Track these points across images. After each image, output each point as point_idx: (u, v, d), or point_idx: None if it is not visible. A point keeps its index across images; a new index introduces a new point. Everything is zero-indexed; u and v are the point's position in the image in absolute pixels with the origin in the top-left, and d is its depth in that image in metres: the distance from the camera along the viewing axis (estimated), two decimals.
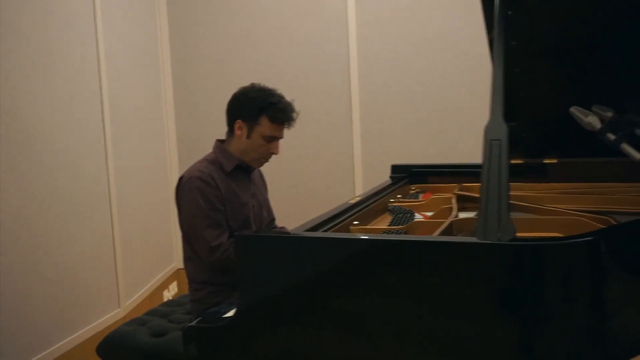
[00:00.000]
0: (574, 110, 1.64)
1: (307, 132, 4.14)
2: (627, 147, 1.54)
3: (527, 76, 2.16)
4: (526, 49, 2.03)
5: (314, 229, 1.69)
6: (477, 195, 2.27)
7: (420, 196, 2.64)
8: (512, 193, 2.27)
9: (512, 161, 2.64)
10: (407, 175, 2.82)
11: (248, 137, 2.16)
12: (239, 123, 2.16)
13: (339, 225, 1.84)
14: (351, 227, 1.95)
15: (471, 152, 3.58)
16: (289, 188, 4.26)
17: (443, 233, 1.73)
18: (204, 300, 2.16)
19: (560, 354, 1.30)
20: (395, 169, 2.87)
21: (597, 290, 1.32)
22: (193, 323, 1.57)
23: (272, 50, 4.27)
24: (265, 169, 2.36)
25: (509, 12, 1.83)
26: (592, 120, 1.60)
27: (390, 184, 2.65)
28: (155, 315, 2.44)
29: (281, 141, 2.23)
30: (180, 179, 2.18)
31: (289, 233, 1.58)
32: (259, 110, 2.13)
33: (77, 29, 3.17)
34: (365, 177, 4.16)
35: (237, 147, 2.19)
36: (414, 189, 2.77)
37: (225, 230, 2.10)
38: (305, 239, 1.47)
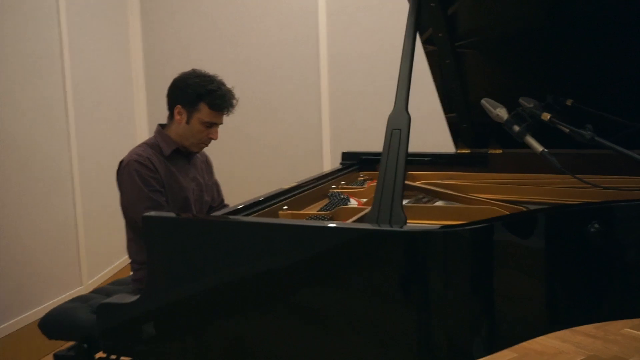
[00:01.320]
0: (484, 102, 1.68)
1: (276, 119, 4.19)
2: (530, 140, 1.58)
3: (460, 67, 2.20)
4: (454, 40, 2.07)
5: (238, 212, 1.73)
6: (412, 183, 2.33)
7: (367, 183, 2.68)
8: (443, 182, 2.34)
9: (460, 151, 2.73)
10: (357, 163, 2.86)
11: (187, 122, 2.21)
12: (178, 108, 2.21)
13: (266, 210, 1.88)
14: (280, 212, 2.00)
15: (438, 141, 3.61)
16: (258, 169, 4.33)
17: (359, 219, 1.78)
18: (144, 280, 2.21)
19: (443, 339, 1.35)
20: (346, 156, 2.91)
21: (479, 276, 1.37)
22: (106, 300, 1.62)
23: (243, 37, 4.31)
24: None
25: (432, 4, 1.87)
26: (500, 112, 1.64)
27: (335, 170, 2.69)
28: (101, 293, 2.49)
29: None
30: (120, 162, 2.22)
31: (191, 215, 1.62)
32: (198, 97, 2.17)
33: (39, 12, 3.21)
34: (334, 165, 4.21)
35: (177, 132, 2.24)
36: (362, 176, 2.81)
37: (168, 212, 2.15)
38: (200, 221, 1.53)
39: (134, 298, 1.57)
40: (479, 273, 1.37)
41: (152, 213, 1.53)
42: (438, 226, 1.33)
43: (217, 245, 1.47)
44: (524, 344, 3.00)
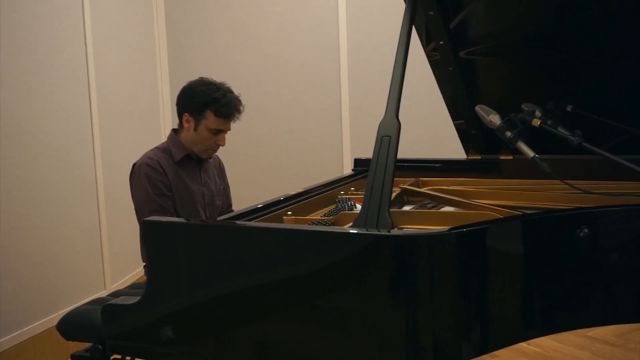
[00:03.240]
0: (478, 108, 1.70)
1: (297, 126, 4.25)
2: (521, 145, 1.59)
3: (465, 74, 2.21)
4: (458, 48, 2.09)
5: (240, 217, 1.78)
6: (417, 189, 2.35)
7: None
8: (449, 188, 2.35)
9: (470, 157, 2.73)
10: (369, 169, 2.88)
11: (195, 130, 2.28)
12: (186, 116, 2.28)
13: (270, 215, 1.93)
14: (284, 218, 2.04)
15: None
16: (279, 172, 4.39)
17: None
18: None
19: (431, 342, 1.37)
20: (358, 162, 2.94)
21: (466, 280, 1.39)
22: (110, 301, 1.69)
23: (267, 43, 4.39)
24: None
25: (430, 13, 1.89)
26: (493, 119, 1.66)
27: (346, 176, 2.72)
28: (118, 296, 2.56)
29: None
30: (133, 166, 2.31)
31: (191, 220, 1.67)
32: (204, 105, 2.24)
33: (64, 22, 3.33)
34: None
35: (186, 139, 2.32)
36: None
37: (171, 216, 2.22)
38: (198, 226, 1.57)
39: (135, 300, 1.63)
40: (465, 277, 1.38)
41: (152, 217, 1.59)
42: (424, 230, 1.35)
43: (215, 249, 1.52)
44: (541, 351, 3.00)
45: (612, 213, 1.40)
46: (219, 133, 2.29)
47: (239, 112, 2.29)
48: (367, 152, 3.87)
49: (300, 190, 2.28)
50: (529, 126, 1.60)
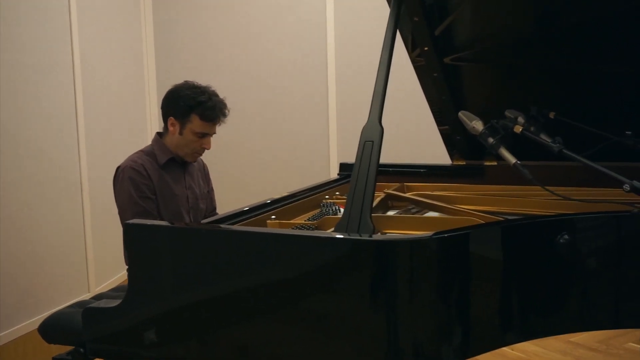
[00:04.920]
0: (462, 115, 1.71)
1: (284, 129, 4.24)
2: (504, 151, 1.60)
3: (450, 80, 2.22)
4: (442, 54, 2.10)
5: (223, 220, 1.78)
6: (402, 194, 2.36)
7: None
8: (433, 193, 2.36)
9: (455, 162, 2.75)
10: None
11: (180, 133, 2.28)
12: (171, 120, 2.28)
13: (254, 219, 1.92)
14: (268, 222, 2.04)
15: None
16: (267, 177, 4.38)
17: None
18: None
19: (411, 347, 1.38)
20: (344, 166, 2.94)
21: (447, 284, 1.39)
22: (91, 304, 1.68)
23: (254, 46, 4.40)
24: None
25: (415, 19, 1.90)
26: (476, 125, 1.67)
27: (332, 181, 2.72)
28: (101, 299, 2.55)
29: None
30: (117, 168, 2.30)
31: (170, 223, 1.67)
32: (190, 109, 2.24)
33: (50, 23, 3.31)
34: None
35: (171, 142, 2.31)
36: None
37: (155, 219, 2.21)
38: (178, 229, 1.57)
39: (116, 303, 1.62)
40: (446, 281, 1.39)
41: (134, 220, 1.58)
42: (405, 235, 1.36)
43: (198, 253, 1.51)
44: (524, 356, 3.01)
45: (590, 220, 1.42)
46: (204, 136, 2.29)
47: (225, 115, 2.29)
48: (354, 157, 3.87)
49: (285, 194, 2.28)
50: (511, 133, 1.61)
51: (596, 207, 1.63)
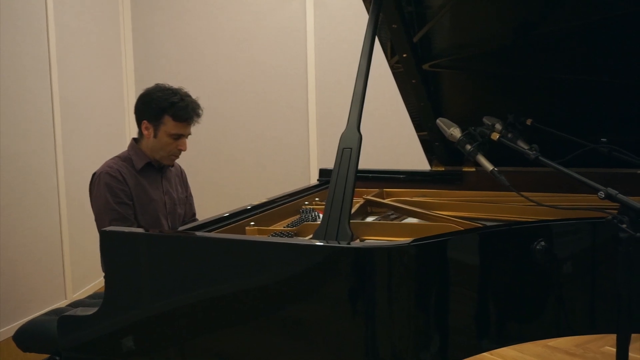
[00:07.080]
0: (439, 121, 1.71)
1: (264, 134, 4.24)
2: (481, 158, 1.61)
3: (429, 86, 2.24)
4: (420, 61, 2.11)
5: (202, 227, 1.77)
6: (381, 200, 2.36)
7: None
8: (413, 199, 2.37)
9: (434, 168, 2.76)
10: None
11: (155, 136, 2.27)
12: (145, 124, 2.27)
13: (233, 225, 1.92)
14: (247, 228, 2.03)
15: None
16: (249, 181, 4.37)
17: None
18: None
19: (389, 353, 1.38)
20: (323, 172, 2.95)
21: (425, 291, 1.40)
22: (67, 312, 1.66)
23: (234, 50, 4.39)
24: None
25: (394, 26, 1.91)
26: (453, 132, 1.67)
27: (311, 187, 2.72)
28: (77, 307, 2.52)
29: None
30: (93, 175, 2.27)
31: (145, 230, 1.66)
32: (162, 110, 2.23)
33: (27, 26, 3.28)
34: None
35: (147, 146, 2.30)
36: None
37: (132, 225, 2.20)
38: (156, 236, 1.56)
39: (93, 311, 1.60)
40: (424, 288, 1.40)
41: (110, 227, 1.57)
42: (383, 242, 1.36)
43: (175, 260, 1.51)
44: None
45: (567, 226, 1.43)
46: (179, 138, 2.28)
47: (198, 115, 2.28)
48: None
49: (264, 200, 2.27)
50: (489, 139, 1.62)
51: (572, 214, 1.65)
